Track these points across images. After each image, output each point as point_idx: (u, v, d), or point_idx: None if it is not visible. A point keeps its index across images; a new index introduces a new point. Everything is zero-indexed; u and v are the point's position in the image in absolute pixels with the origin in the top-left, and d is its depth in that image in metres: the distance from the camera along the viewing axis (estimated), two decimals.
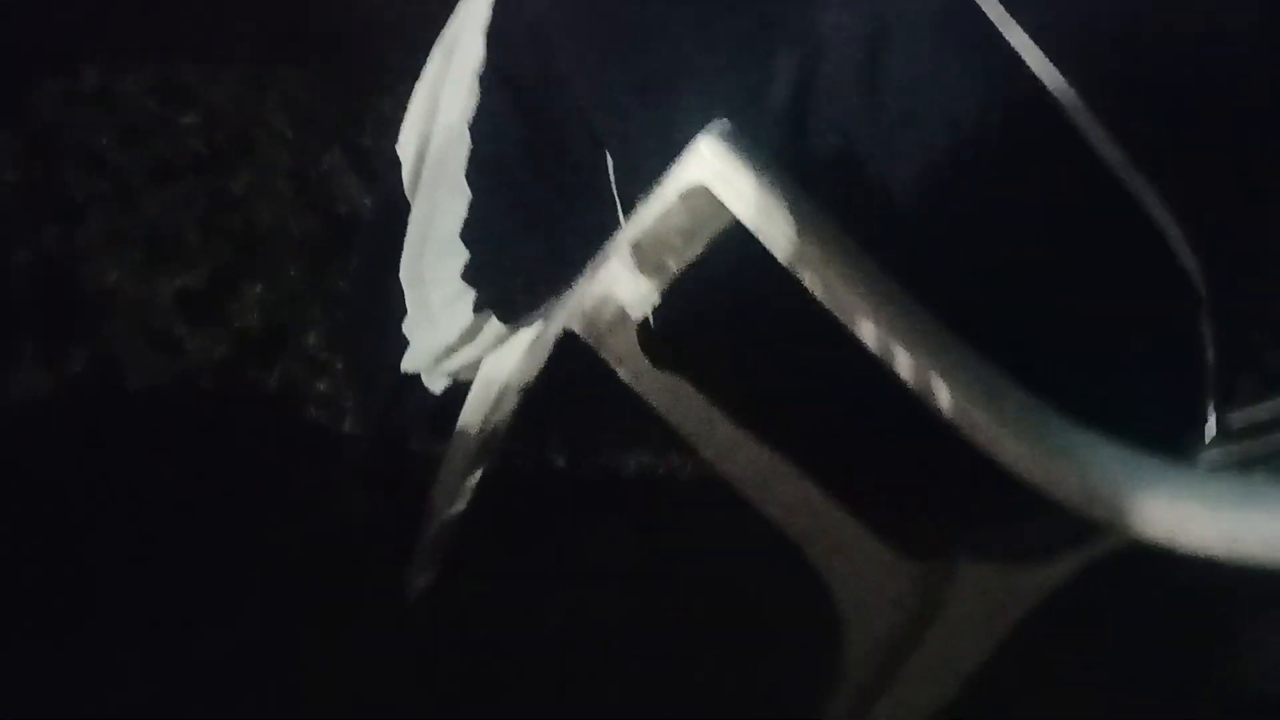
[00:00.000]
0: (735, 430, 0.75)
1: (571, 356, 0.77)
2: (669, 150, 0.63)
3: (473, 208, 0.84)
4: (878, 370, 0.58)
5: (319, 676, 1.05)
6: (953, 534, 0.74)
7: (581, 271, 0.74)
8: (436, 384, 0.97)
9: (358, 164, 1.43)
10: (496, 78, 0.82)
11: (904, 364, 0.57)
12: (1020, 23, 0.61)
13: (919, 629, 0.76)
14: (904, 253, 0.60)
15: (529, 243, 0.84)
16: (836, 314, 0.58)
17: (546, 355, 0.79)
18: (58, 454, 1.17)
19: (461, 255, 0.86)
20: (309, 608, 1.09)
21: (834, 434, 0.72)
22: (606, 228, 0.75)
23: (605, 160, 0.76)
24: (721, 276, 0.68)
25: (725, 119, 0.61)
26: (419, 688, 1.07)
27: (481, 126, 0.83)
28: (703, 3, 0.73)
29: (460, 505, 0.98)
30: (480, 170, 0.84)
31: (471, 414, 0.92)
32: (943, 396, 0.56)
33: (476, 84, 0.83)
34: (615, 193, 0.76)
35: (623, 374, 0.77)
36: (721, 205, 0.61)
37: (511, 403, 0.88)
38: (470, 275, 0.86)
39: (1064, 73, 0.61)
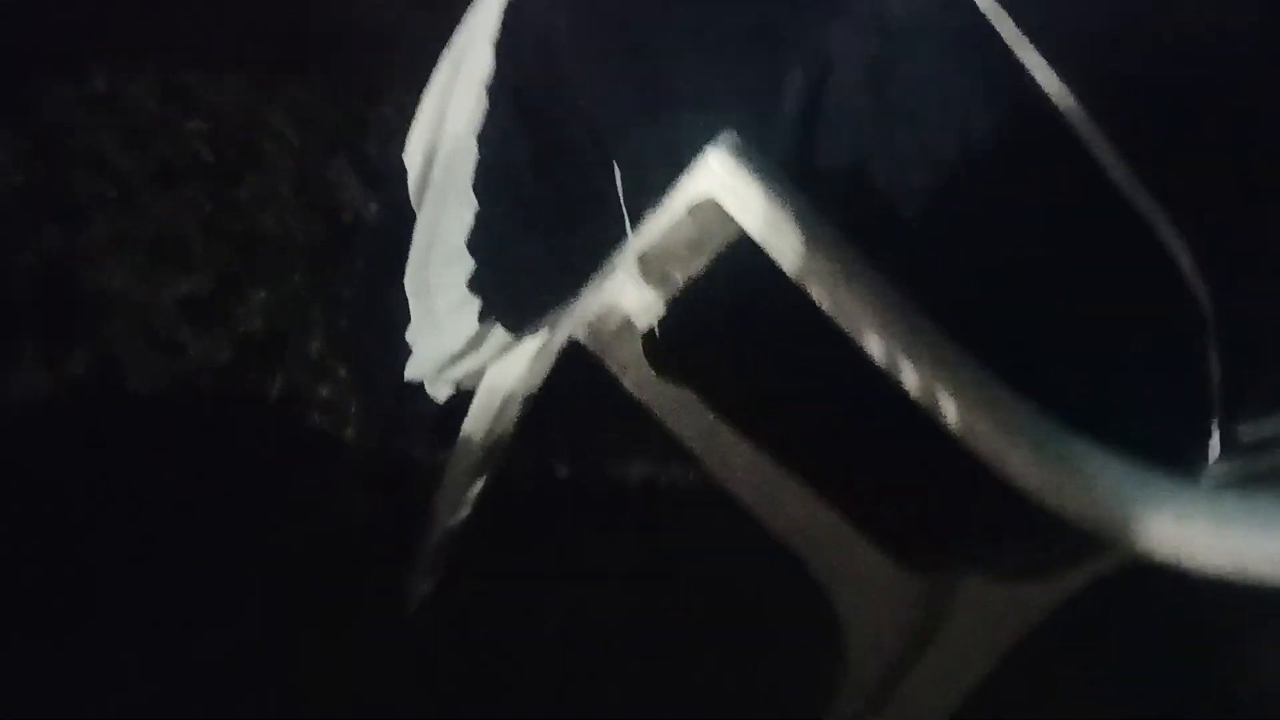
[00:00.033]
0: (739, 441, 0.75)
1: (574, 365, 0.77)
2: (677, 163, 0.63)
3: (479, 217, 0.85)
4: (882, 383, 0.58)
5: (319, 676, 1.05)
6: (956, 548, 0.74)
7: (587, 281, 0.75)
8: (440, 392, 0.97)
9: (361, 170, 1.43)
10: (504, 89, 0.82)
11: (911, 378, 0.57)
12: (1031, 38, 0.62)
13: (921, 642, 0.76)
14: (910, 265, 0.60)
15: (535, 253, 0.84)
16: (844, 327, 0.58)
17: (551, 364, 0.80)
18: (59, 455, 1.17)
19: (467, 264, 0.86)
20: (309, 608, 1.09)
21: (838, 446, 0.72)
22: (613, 238, 0.75)
23: (613, 172, 0.77)
24: (727, 288, 0.68)
25: (733, 132, 0.61)
26: (419, 688, 1.07)
27: (489, 137, 0.84)
28: (711, 18, 0.73)
29: (463, 513, 0.98)
30: (487, 180, 0.84)
31: (476, 422, 0.92)
32: (950, 411, 0.56)
33: (485, 95, 0.83)
34: (623, 204, 0.76)
35: (627, 383, 0.77)
36: (729, 218, 0.61)
37: (515, 412, 0.88)
38: (476, 284, 0.86)
39: (1071, 87, 0.61)
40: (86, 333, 1.25)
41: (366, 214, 1.39)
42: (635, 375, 0.76)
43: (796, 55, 0.69)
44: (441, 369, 0.93)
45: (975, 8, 0.63)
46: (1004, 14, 0.63)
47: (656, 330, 0.73)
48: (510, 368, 0.88)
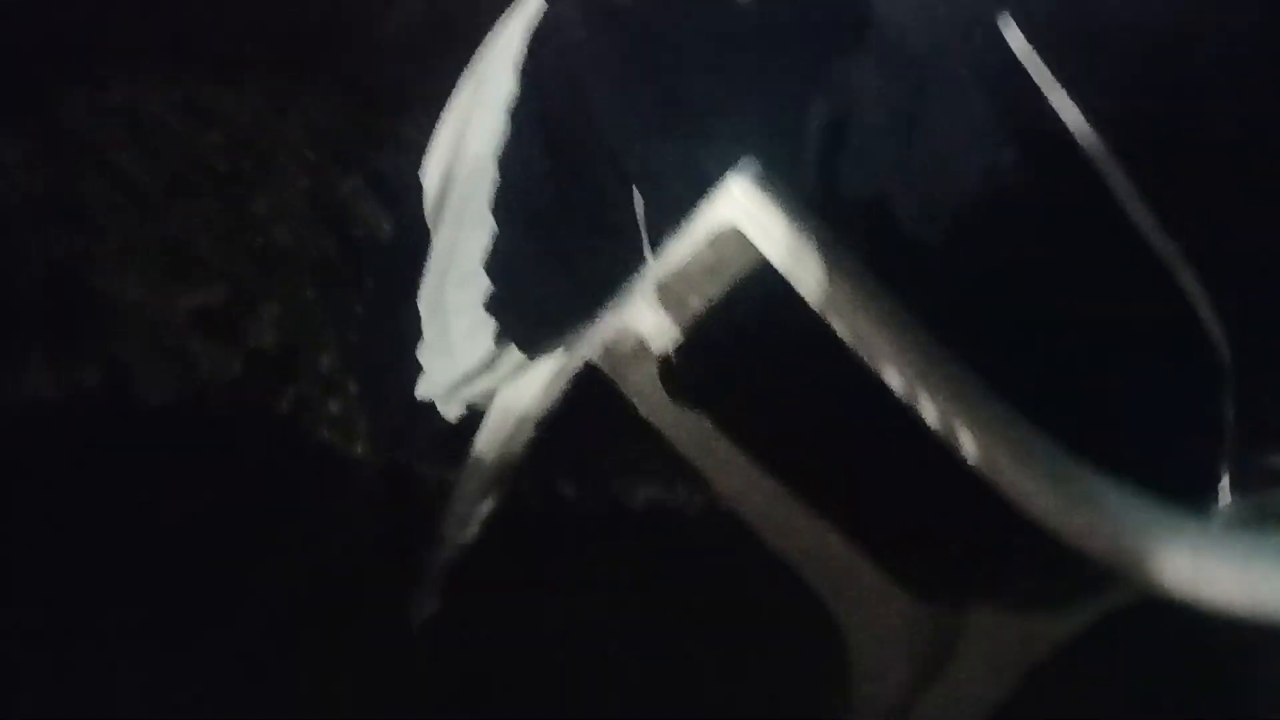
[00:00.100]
0: (752, 468, 0.75)
1: (581, 387, 0.78)
2: (698, 190, 0.64)
3: (497, 239, 0.85)
4: (900, 414, 0.58)
5: (319, 677, 1.05)
6: (969, 579, 0.74)
7: (603, 305, 0.75)
8: (452, 411, 0.97)
9: (376, 187, 1.44)
10: (526, 112, 0.83)
11: (929, 410, 0.57)
12: (1064, 82, 0.62)
13: (930, 672, 0.76)
14: (930, 300, 0.60)
15: (552, 276, 0.85)
16: (864, 358, 0.58)
17: (565, 387, 0.80)
18: (68, 463, 1.17)
19: (484, 286, 0.86)
20: (309, 608, 1.09)
21: (853, 476, 0.72)
22: (631, 263, 0.76)
23: (633, 197, 0.77)
24: (744, 315, 0.69)
25: (755, 160, 0.61)
26: (419, 688, 1.07)
27: (509, 160, 0.84)
28: (735, 47, 0.74)
29: (471, 533, 0.98)
30: (506, 203, 0.84)
31: (487, 443, 0.92)
32: (968, 443, 0.56)
33: (506, 118, 0.84)
34: (643, 229, 0.77)
35: (640, 407, 0.78)
36: (749, 245, 0.61)
37: (528, 433, 0.88)
38: (492, 306, 0.86)
39: (1098, 130, 0.61)
40: (97, 342, 1.25)
41: (380, 231, 1.40)
42: (649, 399, 0.77)
43: (817, 84, 0.69)
44: (455, 388, 0.93)
45: (1007, 47, 0.64)
46: (1036, 57, 0.63)
47: (672, 355, 0.73)
48: (524, 389, 0.88)
